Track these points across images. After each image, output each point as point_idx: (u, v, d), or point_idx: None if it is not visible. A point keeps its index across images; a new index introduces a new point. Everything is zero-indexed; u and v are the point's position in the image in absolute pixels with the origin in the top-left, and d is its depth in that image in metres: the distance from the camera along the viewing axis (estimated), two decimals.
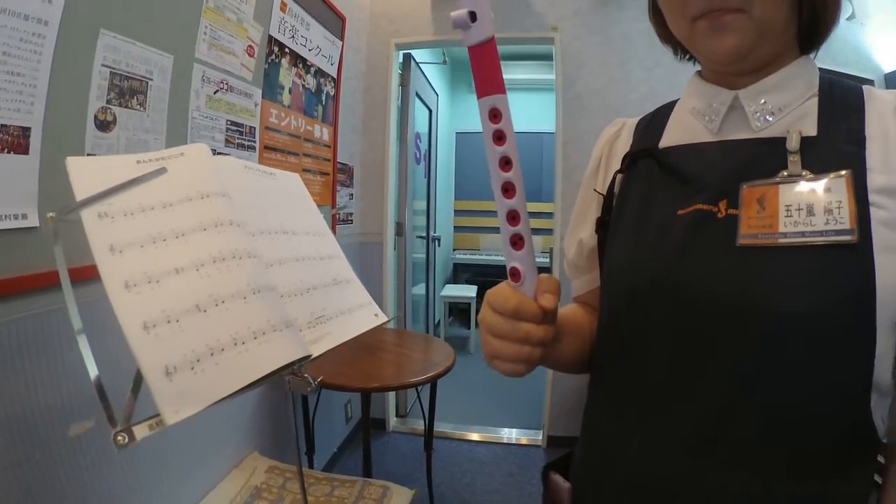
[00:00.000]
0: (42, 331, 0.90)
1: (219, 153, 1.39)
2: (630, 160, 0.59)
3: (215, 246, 0.66)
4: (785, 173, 0.46)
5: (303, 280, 0.84)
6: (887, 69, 2.62)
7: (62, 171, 0.89)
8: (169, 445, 1.19)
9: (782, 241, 0.43)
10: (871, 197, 0.42)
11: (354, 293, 0.95)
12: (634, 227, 0.55)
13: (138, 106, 1.09)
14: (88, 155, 0.98)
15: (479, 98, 0.42)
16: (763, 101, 0.50)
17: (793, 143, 0.46)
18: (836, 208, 0.42)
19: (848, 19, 2.49)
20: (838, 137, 0.46)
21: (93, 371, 0.52)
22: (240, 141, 1.47)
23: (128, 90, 1.06)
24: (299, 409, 1.94)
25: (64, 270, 0.56)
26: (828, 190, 0.43)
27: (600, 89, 2.47)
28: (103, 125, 1.01)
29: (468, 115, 5.30)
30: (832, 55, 2.47)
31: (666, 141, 0.58)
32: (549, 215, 5.16)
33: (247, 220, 0.76)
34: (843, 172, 0.43)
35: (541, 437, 2.74)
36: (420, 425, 2.86)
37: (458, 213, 5.35)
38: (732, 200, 0.47)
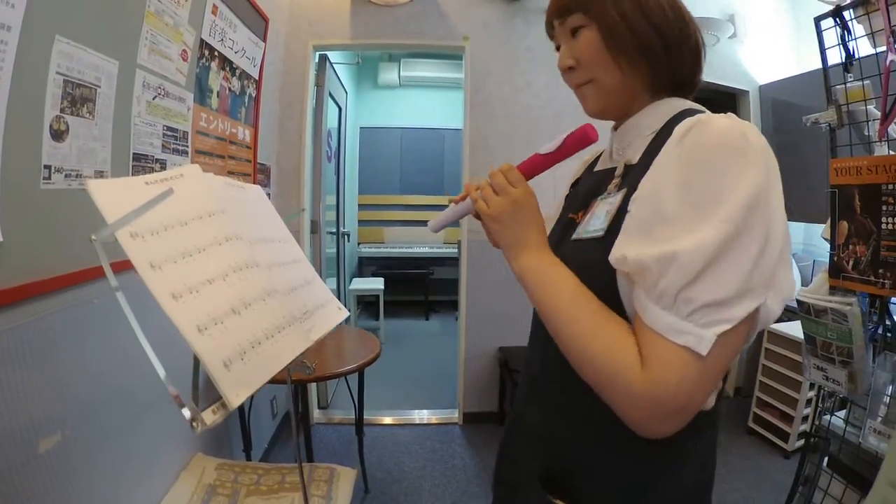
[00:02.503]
0: (5, 349, 0.89)
1: (157, 159, 1.39)
2: (573, 182, 0.82)
3: (231, 258, 0.76)
4: (606, 192, 0.65)
5: (287, 282, 0.96)
6: (762, 81, 3.14)
7: (22, 184, 0.91)
8: (115, 458, 1.19)
9: (574, 236, 0.65)
10: (630, 206, 0.56)
11: (321, 291, 1.07)
12: (557, 224, 0.78)
13: (87, 114, 1.09)
14: (45, 167, 0.98)
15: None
16: (620, 140, 0.69)
17: (618, 170, 0.65)
18: (605, 214, 0.60)
19: (730, 38, 2.98)
20: (645, 165, 0.57)
21: (161, 371, 0.60)
22: (175, 146, 1.48)
23: (79, 98, 1.06)
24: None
25: (113, 281, 0.61)
26: (611, 203, 0.63)
27: (504, 96, 2.73)
28: (57, 134, 1.01)
29: (373, 110, 5.36)
30: (714, 69, 2.92)
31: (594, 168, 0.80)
32: None
33: (241, 231, 0.86)
34: (621, 191, 0.60)
35: (457, 415, 2.98)
36: (341, 415, 2.97)
37: (362, 207, 5.41)
38: (585, 209, 0.69)
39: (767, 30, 3.14)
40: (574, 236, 0.66)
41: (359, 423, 2.22)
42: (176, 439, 1.51)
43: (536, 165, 0.67)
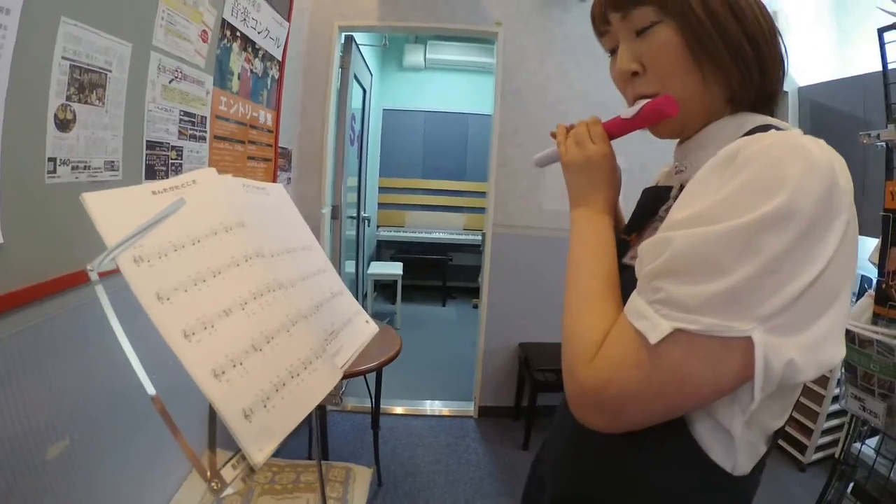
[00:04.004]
0: (8, 355, 0.84)
1: (173, 147, 1.33)
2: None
3: (252, 281, 0.68)
4: (658, 215, 0.60)
5: (312, 298, 0.88)
6: (801, 83, 2.94)
7: (25, 180, 0.85)
8: (122, 460, 1.16)
9: (625, 260, 0.58)
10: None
11: (348, 303, 1.00)
12: None
13: (97, 101, 1.02)
14: (49, 160, 0.92)
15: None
16: (683, 157, 0.60)
17: (674, 191, 0.59)
18: None
19: None
20: None
21: (151, 389, 0.54)
22: (192, 132, 1.41)
23: (87, 84, 0.99)
24: None
25: (115, 321, 0.53)
26: (658, 228, 0.55)
27: (537, 85, 2.60)
28: (63, 125, 0.94)
29: (397, 92, 5.23)
30: None
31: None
32: (473, 194, 5.37)
33: (262, 246, 0.76)
34: None
35: (472, 408, 2.94)
36: (354, 403, 2.94)
37: (382, 190, 5.34)
38: (639, 230, 0.63)
39: (809, 30, 2.94)
40: (624, 260, 0.58)
41: (375, 419, 2.18)
42: (188, 434, 1.48)
43: (617, 128, 0.62)
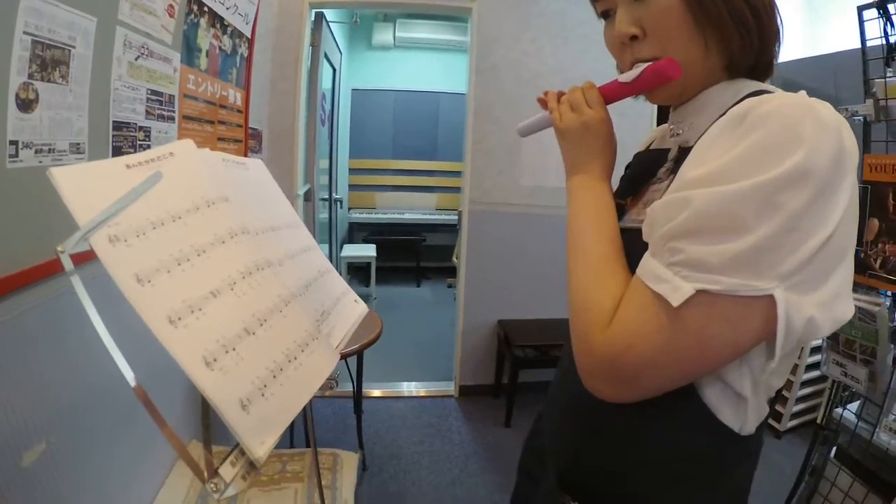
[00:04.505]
0: None
1: (141, 127, 1.25)
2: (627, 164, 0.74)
3: (239, 259, 0.63)
4: (657, 177, 0.60)
5: (300, 277, 0.84)
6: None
7: None
8: (105, 459, 1.10)
9: (621, 224, 0.57)
10: None
11: (335, 282, 0.96)
12: None
13: (61, 79, 0.95)
14: (11, 143, 0.84)
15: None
16: (679, 121, 0.59)
17: (672, 153, 0.58)
18: (652, 202, 0.52)
19: None
20: None
21: (132, 380, 0.50)
22: (160, 112, 1.33)
23: (50, 61, 0.91)
24: None
25: (91, 307, 0.49)
26: (658, 190, 0.56)
27: (513, 61, 2.57)
28: (25, 105, 0.87)
29: (366, 71, 5.10)
30: None
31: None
32: (445, 174, 5.33)
33: (247, 223, 0.72)
34: (670, 177, 0.53)
35: (453, 387, 2.96)
36: (336, 388, 2.91)
37: (353, 171, 5.23)
38: (634, 194, 0.63)
39: (779, 9, 2.99)
40: (621, 225, 0.58)
41: (357, 403, 2.17)
42: (176, 423, 1.44)
43: (614, 92, 0.60)
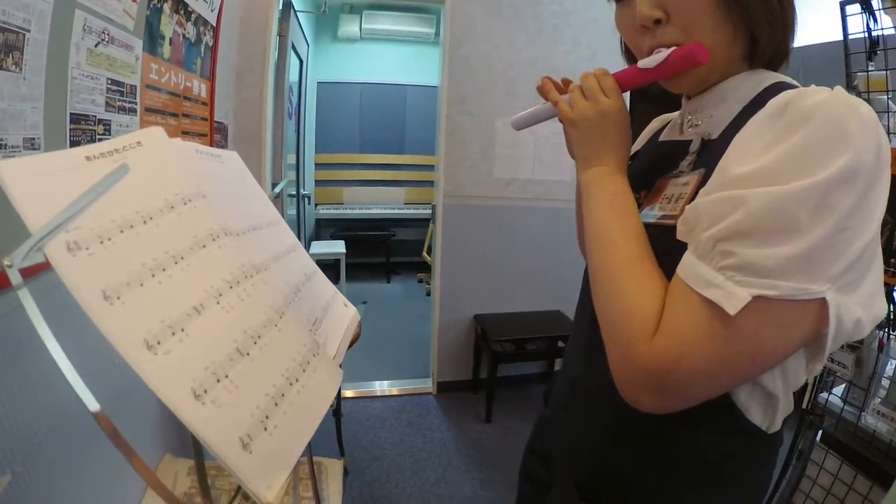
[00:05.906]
0: None
1: (100, 120, 1.15)
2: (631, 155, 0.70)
3: (223, 266, 0.55)
4: (678, 170, 0.58)
5: (288, 282, 0.76)
6: None
7: None
8: (76, 483, 1.00)
9: (645, 220, 0.54)
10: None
11: (323, 285, 0.90)
12: None
13: (14, 66, 0.85)
14: None
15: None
16: (696, 111, 0.58)
17: (693, 146, 0.56)
18: (680, 197, 0.52)
19: None
20: (728, 140, 0.48)
21: (94, 405, 0.44)
22: (121, 103, 1.23)
23: (2, 46, 0.81)
24: None
25: (45, 330, 0.41)
26: (685, 184, 0.54)
27: (486, 53, 2.54)
28: None
29: (332, 64, 4.96)
30: None
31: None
32: (413, 167, 5.26)
33: (227, 223, 0.63)
34: (698, 171, 0.52)
35: (431, 384, 2.92)
36: None
37: (319, 166, 5.10)
38: (648, 188, 0.60)
39: None
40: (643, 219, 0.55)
41: (336, 406, 2.10)
42: (140, 444, 1.34)
43: (632, 78, 0.56)
